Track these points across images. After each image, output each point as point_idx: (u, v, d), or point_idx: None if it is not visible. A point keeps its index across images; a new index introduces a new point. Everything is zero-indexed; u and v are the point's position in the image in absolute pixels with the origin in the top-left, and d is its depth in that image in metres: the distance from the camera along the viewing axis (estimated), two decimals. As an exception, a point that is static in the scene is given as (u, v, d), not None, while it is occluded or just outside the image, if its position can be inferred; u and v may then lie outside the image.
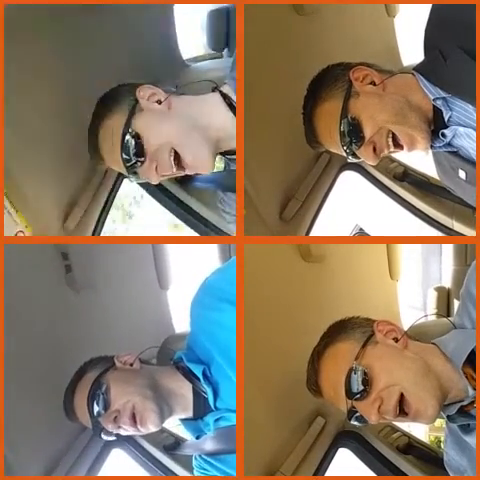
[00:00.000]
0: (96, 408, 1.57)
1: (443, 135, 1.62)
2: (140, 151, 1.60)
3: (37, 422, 1.87)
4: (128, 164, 1.62)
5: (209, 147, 1.63)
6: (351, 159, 1.69)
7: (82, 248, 2.05)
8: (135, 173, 1.65)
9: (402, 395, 1.41)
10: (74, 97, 1.89)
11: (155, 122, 1.62)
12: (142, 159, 1.61)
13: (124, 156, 1.61)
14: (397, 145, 1.62)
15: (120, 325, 2.34)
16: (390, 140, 1.60)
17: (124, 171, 1.66)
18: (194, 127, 1.62)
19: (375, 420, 1.44)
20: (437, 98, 1.57)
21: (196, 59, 3.06)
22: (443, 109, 1.58)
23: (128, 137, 1.59)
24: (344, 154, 1.67)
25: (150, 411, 1.57)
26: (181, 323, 2.82)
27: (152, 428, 1.59)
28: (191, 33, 3.35)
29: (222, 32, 3.27)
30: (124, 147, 1.60)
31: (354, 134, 1.61)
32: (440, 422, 1.77)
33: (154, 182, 1.67)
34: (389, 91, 1.62)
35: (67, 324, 2.02)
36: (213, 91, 1.69)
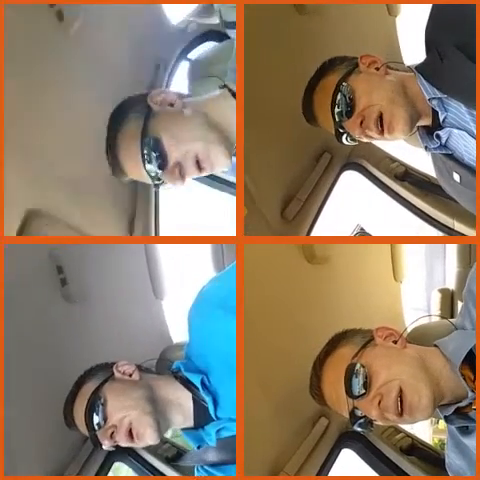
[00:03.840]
0: (95, 420, 1.55)
1: (438, 137, 1.64)
2: (162, 160, 1.57)
3: (37, 437, 1.87)
4: (152, 174, 1.59)
5: (227, 147, 1.61)
6: (340, 135, 1.69)
7: (76, 261, 2.05)
8: (159, 180, 1.62)
9: (401, 391, 1.41)
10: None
11: (172, 126, 1.60)
12: (164, 169, 1.58)
13: (147, 167, 1.58)
14: (381, 130, 1.62)
15: (117, 336, 2.32)
16: (378, 119, 1.60)
17: (149, 181, 1.63)
18: (210, 128, 1.60)
19: (376, 415, 1.44)
20: (433, 98, 1.58)
21: (187, 21, 3.05)
22: (438, 110, 1.59)
23: (147, 145, 1.56)
24: (332, 126, 1.67)
25: (147, 426, 1.55)
26: (177, 331, 2.83)
27: (150, 443, 1.57)
28: None
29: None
30: (145, 158, 1.57)
31: (346, 104, 1.62)
32: (444, 425, 1.77)
33: (179, 186, 1.64)
34: (390, 78, 1.65)
35: (64, 336, 2.02)
36: (221, 88, 1.68)
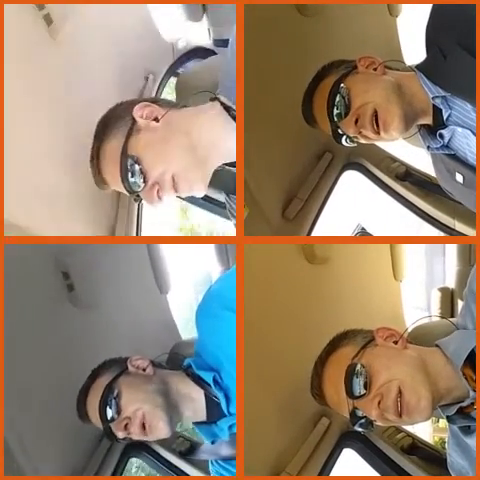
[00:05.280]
0: (109, 413, 1.57)
1: (441, 136, 1.63)
2: (141, 177, 1.57)
3: (53, 438, 1.87)
4: (129, 189, 1.59)
5: (203, 173, 1.62)
6: (339, 137, 1.69)
7: (82, 266, 2.05)
8: (138, 196, 1.63)
9: (400, 392, 1.41)
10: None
11: (153, 145, 1.59)
12: (143, 185, 1.58)
13: (124, 182, 1.58)
14: (377, 129, 1.62)
15: (125, 335, 2.34)
16: (373, 117, 1.61)
17: (127, 194, 1.64)
18: (190, 150, 1.59)
19: (376, 415, 1.44)
20: (436, 96, 1.58)
21: (177, 37, 3.08)
22: (442, 107, 1.59)
23: (127, 162, 1.56)
24: (329, 126, 1.68)
25: (159, 420, 1.57)
26: (183, 323, 2.84)
27: (161, 436, 1.59)
28: (166, 13, 3.30)
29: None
30: (124, 173, 1.57)
31: (344, 105, 1.63)
32: (444, 423, 1.77)
33: (156, 206, 1.64)
34: (387, 77, 1.66)
35: (74, 339, 2.02)
36: (211, 100, 1.68)
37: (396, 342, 1.53)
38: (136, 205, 2.35)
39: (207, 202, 2.44)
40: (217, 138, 1.63)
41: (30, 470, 1.73)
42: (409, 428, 2.30)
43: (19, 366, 1.73)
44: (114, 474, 2.06)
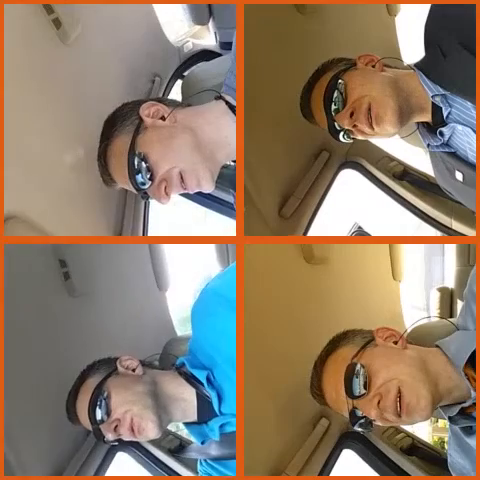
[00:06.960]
0: (98, 415, 1.56)
1: (441, 134, 1.63)
2: (148, 176, 1.59)
3: (41, 429, 1.86)
4: (137, 186, 1.61)
5: (212, 168, 1.63)
6: (336, 132, 1.69)
7: (79, 254, 2.05)
8: (146, 193, 1.64)
9: (400, 392, 1.41)
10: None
11: (160, 142, 1.61)
12: (150, 182, 1.60)
13: (132, 179, 1.60)
14: (370, 121, 1.62)
15: (120, 329, 2.33)
16: (368, 110, 1.61)
17: (135, 192, 1.65)
18: (196, 148, 1.61)
19: (375, 415, 1.44)
20: (436, 95, 1.58)
21: (183, 40, 3.10)
22: (442, 106, 1.59)
23: (134, 160, 1.58)
24: (326, 121, 1.68)
25: (148, 421, 1.56)
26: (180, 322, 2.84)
27: (151, 437, 1.58)
28: (173, 16, 3.32)
29: (203, 5, 3.22)
30: (132, 170, 1.59)
31: (340, 100, 1.64)
32: (443, 423, 1.78)
33: (164, 203, 1.65)
34: (385, 74, 1.67)
35: (68, 330, 2.01)
36: (216, 99, 1.69)
37: (396, 342, 1.53)
38: (143, 203, 2.37)
39: (218, 204, 2.45)
40: (222, 136, 1.65)
41: (16, 462, 1.72)
42: (408, 428, 2.30)
43: (12, 359, 1.72)
44: (101, 467, 2.04)
